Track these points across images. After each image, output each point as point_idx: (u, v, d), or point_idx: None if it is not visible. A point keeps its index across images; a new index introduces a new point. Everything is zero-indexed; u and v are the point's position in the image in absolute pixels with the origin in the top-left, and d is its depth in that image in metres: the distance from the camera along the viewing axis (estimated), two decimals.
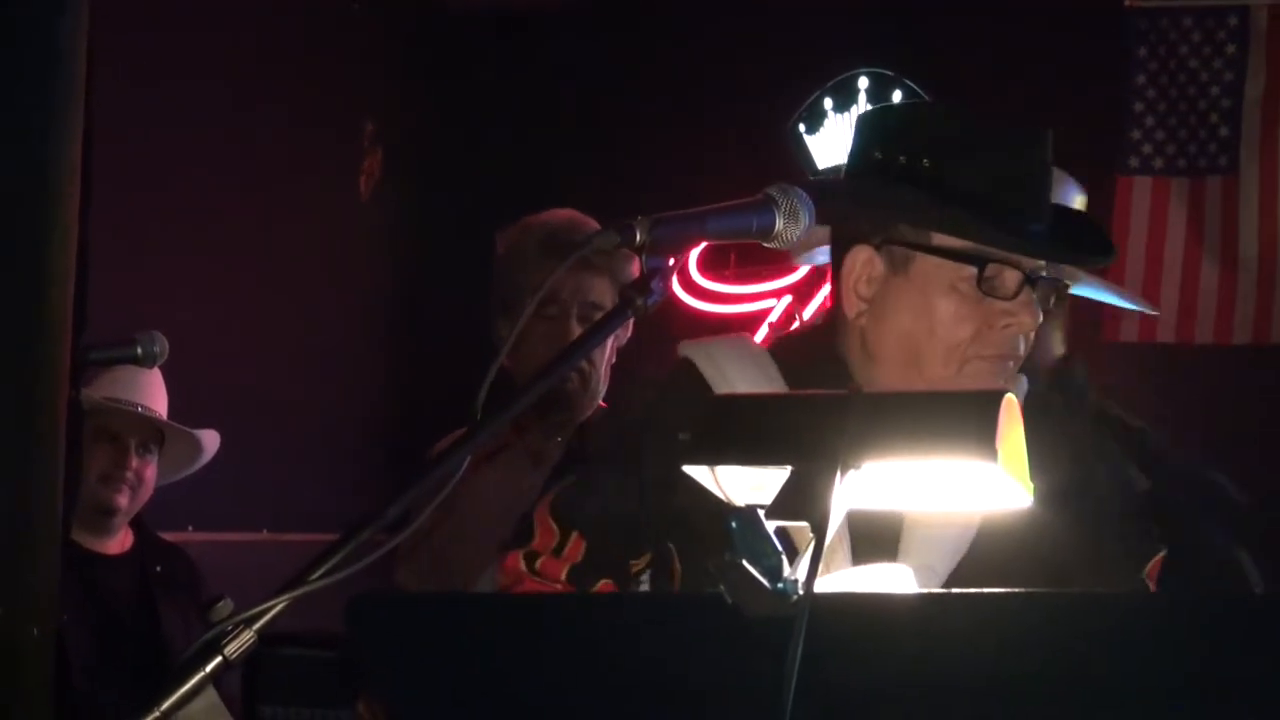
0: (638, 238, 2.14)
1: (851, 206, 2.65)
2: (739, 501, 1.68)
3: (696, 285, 7.70)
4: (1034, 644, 1.47)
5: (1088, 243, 2.71)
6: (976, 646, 1.49)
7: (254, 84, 6.62)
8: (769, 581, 1.50)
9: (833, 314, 2.69)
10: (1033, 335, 2.62)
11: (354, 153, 7.51)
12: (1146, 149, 6.97)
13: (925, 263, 2.58)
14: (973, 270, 2.55)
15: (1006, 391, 1.65)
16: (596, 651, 1.58)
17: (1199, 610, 1.47)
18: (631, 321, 4.02)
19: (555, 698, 1.61)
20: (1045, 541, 2.50)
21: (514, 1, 7.89)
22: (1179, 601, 1.48)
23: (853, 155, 2.71)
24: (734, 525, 1.51)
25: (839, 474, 1.59)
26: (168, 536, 5.12)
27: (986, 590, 1.52)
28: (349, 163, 7.49)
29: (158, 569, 4.94)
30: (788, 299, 7.57)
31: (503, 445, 4.15)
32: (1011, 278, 2.56)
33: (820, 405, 1.68)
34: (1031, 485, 1.72)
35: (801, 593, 1.51)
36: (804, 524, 1.56)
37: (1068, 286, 2.92)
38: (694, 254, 7.72)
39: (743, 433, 1.69)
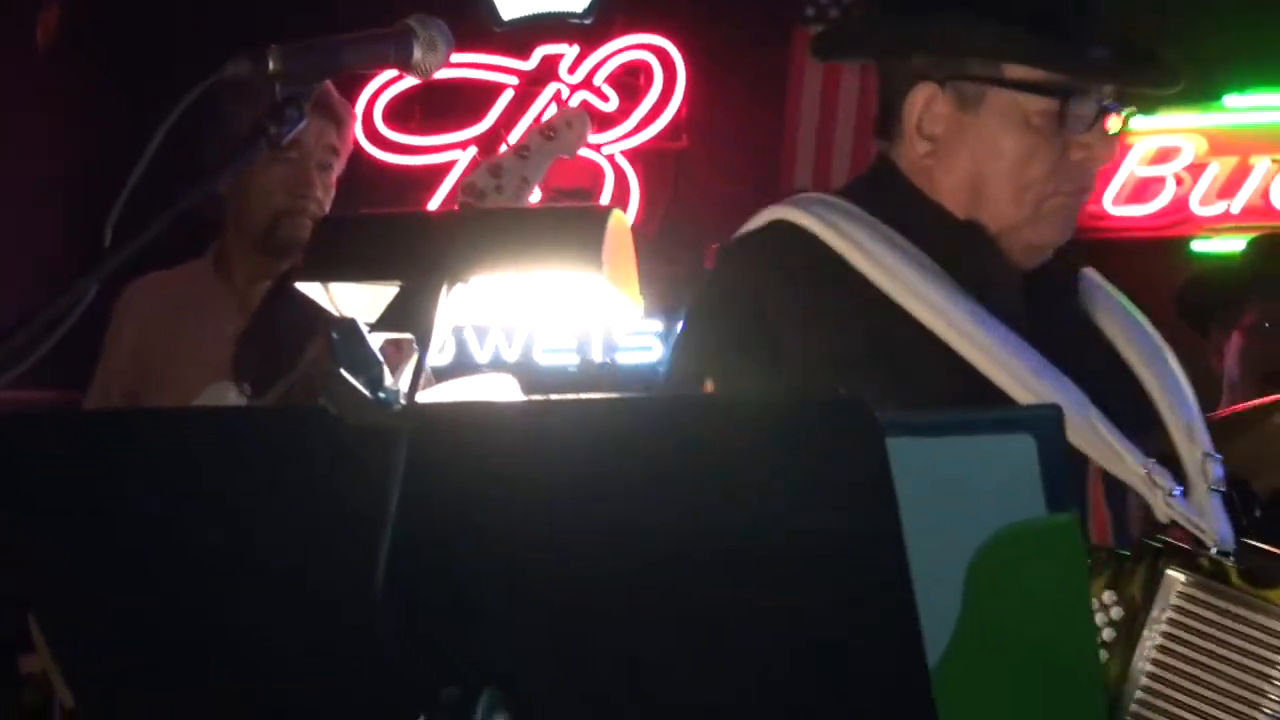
0: (271, 66, 2.13)
1: (915, 39, 2.54)
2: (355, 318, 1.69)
3: (381, 136, 7.65)
4: (634, 448, 1.50)
5: (1158, 66, 2.57)
6: (579, 451, 1.51)
7: None
8: (370, 391, 1.52)
9: (893, 153, 2.61)
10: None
11: (28, 5, 7.30)
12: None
13: (999, 98, 2.50)
14: (1053, 103, 2.47)
15: (614, 210, 1.67)
16: (204, 465, 1.58)
17: (794, 410, 1.50)
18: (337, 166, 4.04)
19: (168, 513, 1.61)
20: None
21: None
22: (773, 402, 1.51)
23: None
24: (335, 336, 1.52)
25: (445, 288, 1.61)
26: None
27: (587, 396, 1.55)
28: (23, 15, 7.29)
29: None
30: (473, 150, 7.56)
31: (209, 290, 4.11)
32: (1088, 108, 2.48)
33: (429, 221, 1.70)
34: (641, 300, 1.74)
35: (404, 402, 1.53)
36: (408, 336, 1.58)
37: (1134, 114, 2.65)
38: (379, 105, 7.66)
39: (354, 250, 1.69)
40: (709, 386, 2.46)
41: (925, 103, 2.53)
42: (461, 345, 7.39)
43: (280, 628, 1.63)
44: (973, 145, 2.52)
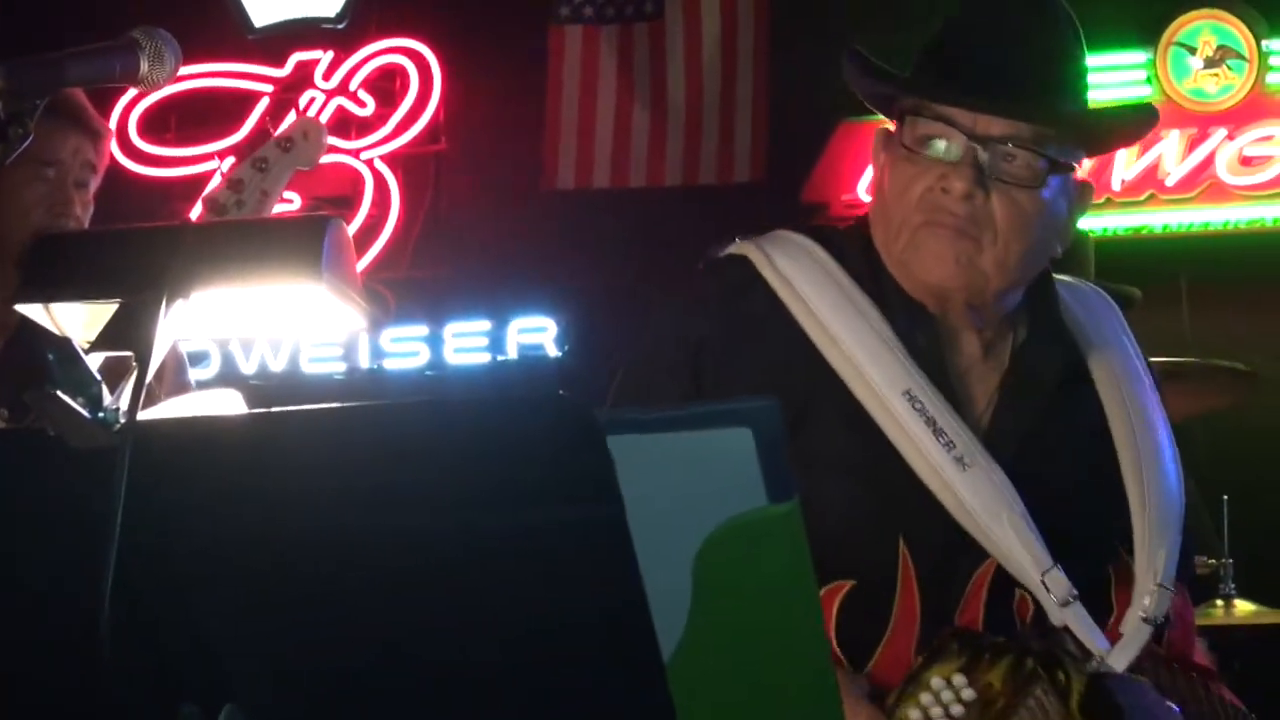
0: None
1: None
2: (76, 338, 1.67)
3: (137, 149, 7.55)
4: (357, 454, 1.50)
5: (1026, 97, 2.45)
6: (302, 460, 1.51)
7: None
8: (89, 412, 1.50)
9: None
10: (997, 208, 2.43)
11: None
12: None
13: (900, 133, 2.49)
14: (909, 131, 2.45)
15: (334, 219, 1.67)
16: None
17: (514, 410, 1.51)
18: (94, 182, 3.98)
19: None
20: None
21: None
22: (494, 402, 1.52)
23: None
24: (51, 357, 1.51)
25: (165, 304, 1.60)
26: None
27: (312, 406, 1.54)
28: None
29: None
30: (230, 159, 7.49)
31: None
32: (953, 138, 2.42)
33: (149, 237, 1.69)
34: (367, 307, 1.74)
35: (124, 421, 1.51)
36: (128, 354, 1.57)
37: (1049, 165, 2.47)
38: (133, 118, 7.56)
39: (74, 269, 1.68)
40: None
41: (876, 146, 2.55)
42: (227, 357, 7.32)
43: (11, 654, 1.61)
44: (882, 183, 2.52)
